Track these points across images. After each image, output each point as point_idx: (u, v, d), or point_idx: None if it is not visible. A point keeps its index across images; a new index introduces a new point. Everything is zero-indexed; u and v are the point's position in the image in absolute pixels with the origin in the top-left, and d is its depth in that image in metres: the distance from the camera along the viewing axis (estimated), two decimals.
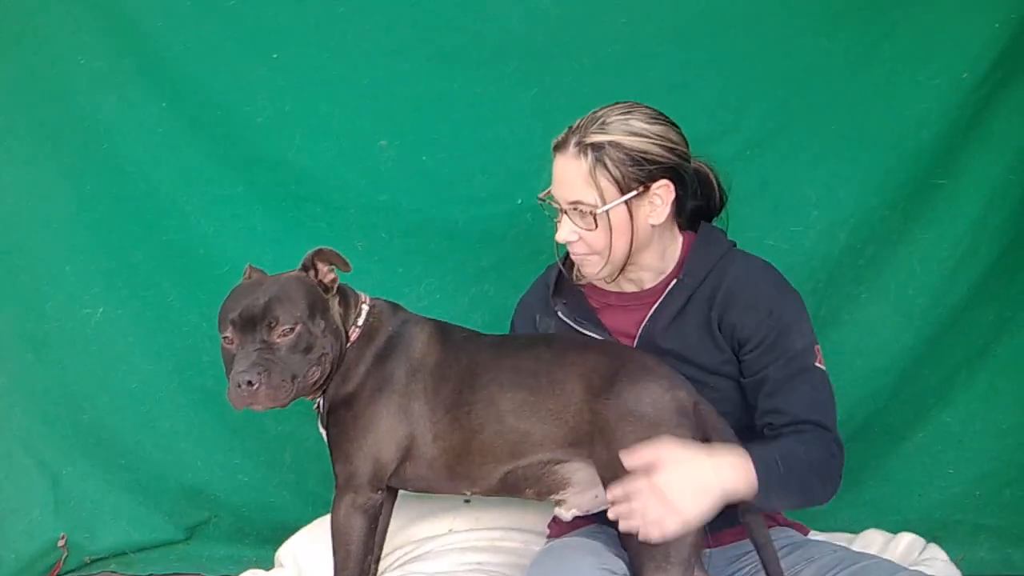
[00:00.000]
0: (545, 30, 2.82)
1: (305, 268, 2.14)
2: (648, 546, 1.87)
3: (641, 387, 2.00)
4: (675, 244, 2.23)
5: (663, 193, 2.11)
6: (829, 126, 2.78)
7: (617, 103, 2.15)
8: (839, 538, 2.46)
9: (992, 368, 2.86)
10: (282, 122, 2.88)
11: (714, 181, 2.27)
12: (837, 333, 2.66)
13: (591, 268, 2.17)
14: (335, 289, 2.16)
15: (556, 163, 2.15)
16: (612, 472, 1.94)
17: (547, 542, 2.33)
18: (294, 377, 2.03)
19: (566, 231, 2.14)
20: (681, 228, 2.25)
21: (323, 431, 2.20)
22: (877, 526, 2.56)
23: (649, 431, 1.94)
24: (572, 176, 2.10)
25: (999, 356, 2.86)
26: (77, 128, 2.89)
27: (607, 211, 2.08)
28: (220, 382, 2.11)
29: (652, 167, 2.08)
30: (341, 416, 2.14)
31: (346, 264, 2.14)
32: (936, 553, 2.39)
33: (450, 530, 2.50)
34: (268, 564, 2.53)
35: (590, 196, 2.08)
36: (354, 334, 2.17)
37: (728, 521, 2.01)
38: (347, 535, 2.11)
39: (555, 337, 2.24)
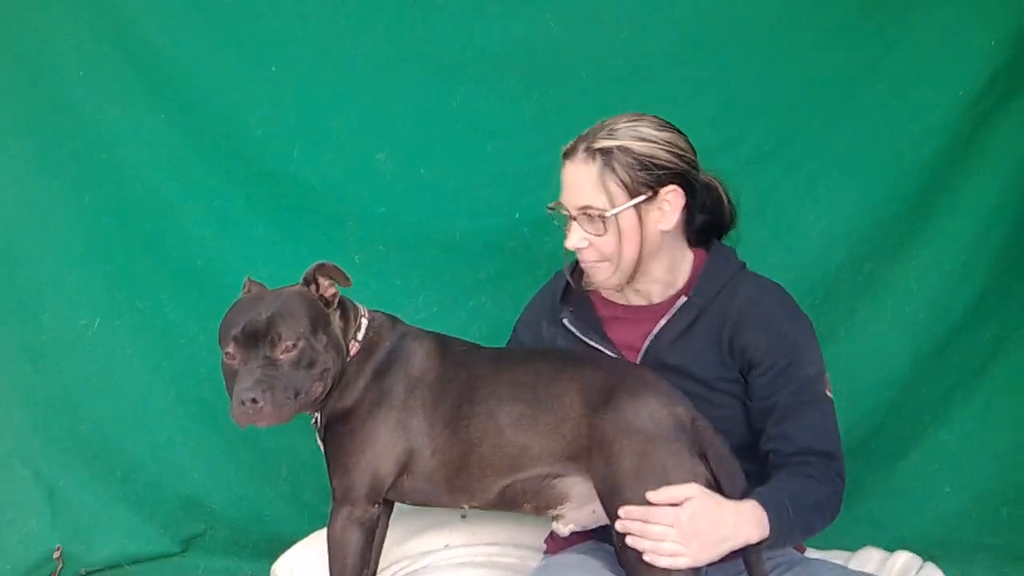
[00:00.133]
0: (545, 44, 2.84)
1: (307, 282, 2.12)
2: (645, 566, 1.87)
3: (639, 402, 2.00)
4: (686, 260, 2.23)
5: (672, 199, 2.11)
6: (828, 142, 2.80)
7: (626, 113, 2.15)
8: (836, 556, 2.45)
9: (989, 387, 2.87)
10: (282, 134, 2.88)
11: (723, 195, 2.27)
12: (835, 349, 2.66)
13: (601, 275, 2.16)
14: (336, 303, 2.15)
15: (565, 170, 2.16)
16: (609, 486, 1.94)
17: (544, 558, 2.32)
18: (297, 393, 2.02)
19: (576, 238, 2.13)
20: (691, 244, 2.25)
21: (321, 444, 2.20)
22: (874, 544, 2.54)
23: (646, 446, 1.94)
24: (581, 181, 2.10)
25: (996, 375, 2.87)
26: (77, 139, 2.89)
27: (616, 215, 2.08)
28: (217, 394, 2.11)
29: (661, 172, 2.09)
30: (339, 430, 2.13)
31: (347, 279, 2.12)
32: (933, 572, 2.38)
33: (446, 545, 2.49)
34: None
35: (599, 200, 2.08)
36: (353, 348, 2.16)
37: None
38: (343, 548, 2.10)
39: (554, 351, 2.24)
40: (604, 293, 2.28)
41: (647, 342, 2.18)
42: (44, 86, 2.87)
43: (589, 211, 2.10)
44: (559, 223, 2.21)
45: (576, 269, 2.28)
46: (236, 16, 2.84)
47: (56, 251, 2.94)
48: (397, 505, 2.25)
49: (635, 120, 2.12)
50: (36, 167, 2.91)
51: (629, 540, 1.89)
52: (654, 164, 2.08)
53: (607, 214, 2.08)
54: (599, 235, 2.11)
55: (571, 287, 2.30)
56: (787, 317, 2.15)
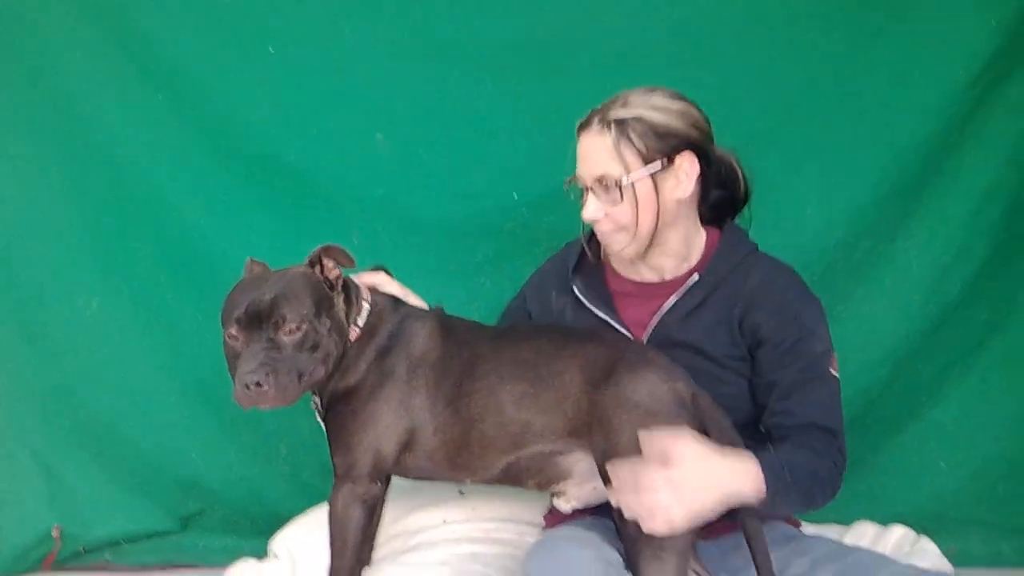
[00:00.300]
0: (543, 26, 2.84)
1: (311, 264, 2.11)
2: (645, 537, 1.88)
3: (639, 377, 2.01)
4: (700, 236, 2.25)
5: (687, 167, 2.13)
6: (825, 123, 2.81)
7: (639, 86, 2.18)
8: (831, 530, 2.48)
9: (985, 364, 2.89)
10: (279, 117, 2.88)
11: (738, 168, 2.29)
12: (832, 327, 2.65)
13: (618, 245, 2.18)
14: (339, 286, 2.14)
15: (580, 142, 2.18)
16: (607, 456, 1.95)
17: (543, 532, 2.34)
18: (301, 376, 2.00)
19: (592, 209, 2.15)
20: (704, 221, 2.27)
21: (322, 423, 2.20)
22: (869, 518, 2.58)
23: (646, 421, 1.95)
24: (597, 151, 2.13)
25: (992, 352, 2.88)
26: (73, 122, 2.88)
27: (632, 184, 2.10)
28: (216, 374, 2.10)
29: (675, 141, 2.12)
30: (341, 410, 2.13)
31: (352, 260, 2.10)
32: (927, 545, 2.41)
33: (444, 521, 2.49)
34: (262, 554, 2.51)
35: (615, 169, 2.10)
36: (354, 334, 2.14)
37: (722, 513, 2.04)
38: (345, 525, 2.10)
39: (556, 328, 2.25)
40: (616, 267, 2.30)
41: (656, 318, 2.20)
42: (40, 71, 2.86)
43: (605, 180, 2.12)
44: (575, 197, 2.23)
45: (592, 239, 2.30)
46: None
47: (53, 234, 2.93)
48: (395, 481, 2.24)
49: (649, 91, 2.15)
50: (33, 151, 2.90)
51: (626, 514, 1.87)
52: (669, 133, 2.11)
53: (623, 182, 2.10)
54: (615, 204, 2.12)
55: (583, 259, 2.31)
56: (799, 298, 2.17)
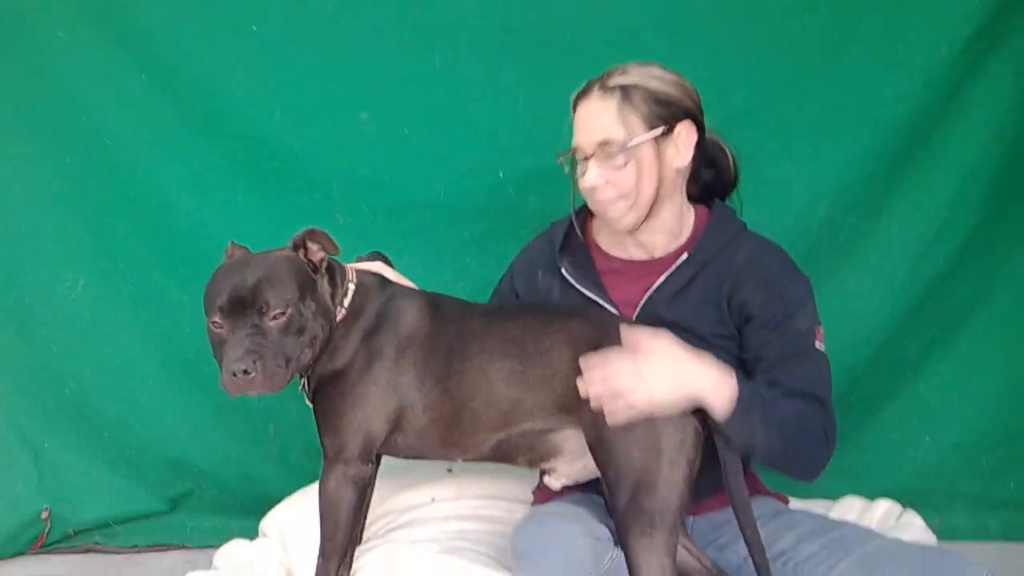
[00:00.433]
0: (529, 5, 2.83)
1: (295, 247, 2.08)
2: (633, 511, 1.89)
3: None
4: (690, 214, 2.27)
5: (685, 136, 2.15)
6: (810, 100, 2.81)
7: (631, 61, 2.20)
8: (818, 504, 2.50)
9: (968, 339, 2.91)
10: (263, 96, 2.87)
11: (726, 149, 2.31)
12: (818, 303, 2.69)
13: (616, 212, 2.18)
14: (323, 269, 2.11)
15: (580, 110, 2.18)
16: (597, 431, 1.97)
17: (531, 509, 2.35)
18: (288, 361, 1.98)
19: (593, 175, 2.14)
20: (693, 201, 2.28)
21: (310, 404, 2.18)
22: (855, 493, 2.60)
23: None
24: (599, 116, 2.13)
25: (975, 327, 2.91)
26: (56, 102, 2.87)
27: (636, 148, 2.11)
28: (202, 355, 2.09)
29: (675, 108, 2.14)
30: (330, 392, 2.11)
31: (336, 247, 2.08)
32: (912, 519, 2.44)
33: (433, 499, 2.50)
34: (252, 534, 2.52)
35: (619, 132, 2.11)
36: (340, 315, 2.12)
37: (711, 489, 2.06)
38: (336, 507, 2.10)
39: (543, 306, 2.26)
40: (604, 246, 2.30)
41: (645, 296, 2.20)
42: (21, 50, 2.86)
43: (608, 145, 2.12)
44: (569, 170, 2.23)
45: (582, 212, 2.30)
46: None
47: (38, 215, 2.92)
48: (384, 460, 2.23)
49: (644, 63, 2.18)
50: (16, 132, 2.89)
51: (592, 402, 1.93)
52: (669, 100, 2.13)
53: (629, 145, 2.10)
54: (618, 170, 2.13)
55: (570, 238, 2.32)
56: (785, 274, 2.18)
